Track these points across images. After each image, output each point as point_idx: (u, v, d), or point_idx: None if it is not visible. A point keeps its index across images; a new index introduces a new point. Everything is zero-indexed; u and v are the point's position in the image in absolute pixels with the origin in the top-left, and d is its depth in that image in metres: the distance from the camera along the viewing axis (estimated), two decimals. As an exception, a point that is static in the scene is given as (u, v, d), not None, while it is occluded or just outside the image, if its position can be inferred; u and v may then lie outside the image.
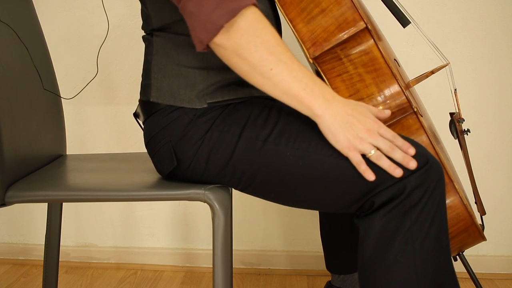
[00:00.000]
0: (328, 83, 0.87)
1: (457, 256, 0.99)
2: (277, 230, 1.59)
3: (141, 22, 1.60)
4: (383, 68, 0.86)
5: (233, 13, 0.66)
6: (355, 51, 0.86)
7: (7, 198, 0.86)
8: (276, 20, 0.92)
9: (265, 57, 0.69)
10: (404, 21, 0.99)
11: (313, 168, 0.75)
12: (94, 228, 1.67)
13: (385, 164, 0.72)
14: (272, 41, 0.69)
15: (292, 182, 0.77)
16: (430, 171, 0.72)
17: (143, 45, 1.64)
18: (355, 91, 0.87)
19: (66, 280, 1.57)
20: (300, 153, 0.76)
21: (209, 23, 0.66)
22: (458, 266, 1.51)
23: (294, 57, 0.71)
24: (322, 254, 1.55)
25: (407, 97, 0.86)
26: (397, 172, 0.71)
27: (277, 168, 0.77)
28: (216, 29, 0.67)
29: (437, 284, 0.73)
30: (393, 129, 0.87)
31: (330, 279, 1.18)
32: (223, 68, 0.82)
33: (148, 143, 0.87)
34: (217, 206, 0.80)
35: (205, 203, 0.81)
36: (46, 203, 1.18)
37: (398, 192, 0.72)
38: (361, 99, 0.86)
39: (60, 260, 1.61)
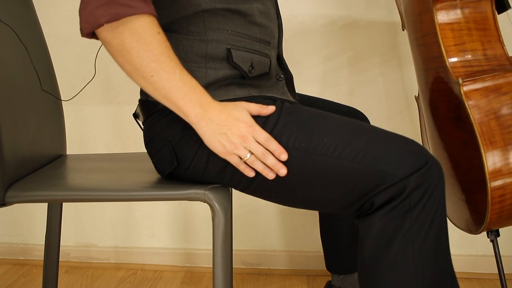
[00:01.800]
0: (438, 29, 0.92)
1: (495, 239, 1.01)
2: (277, 230, 1.59)
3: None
4: (492, 29, 0.92)
5: (116, 17, 0.69)
6: (472, 6, 0.92)
7: (7, 198, 0.86)
8: (277, 17, 0.92)
9: (146, 64, 0.72)
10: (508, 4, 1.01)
11: (312, 168, 0.75)
12: (94, 228, 1.67)
13: (259, 167, 0.76)
14: (157, 50, 0.72)
15: (292, 182, 0.78)
16: (429, 171, 0.73)
17: (143, 45, 1.62)
18: (461, 42, 0.92)
19: (66, 280, 1.57)
20: (300, 154, 0.76)
21: (92, 17, 0.70)
22: (457, 266, 1.52)
23: (178, 67, 0.73)
24: (322, 254, 1.55)
25: (508, 57, 0.92)
26: (270, 176, 0.76)
27: None
28: (96, 25, 0.70)
29: (436, 284, 0.73)
30: (495, 80, 0.92)
31: (330, 279, 1.18)
32: (222, 68, 0.82)
33: (148, 143, 0.87)
34: (217, 206, 0.80)
35: (205, 203, 0.81)
36: (46, 203, 1.18)
37: (398, 193, 0.72)
38: (464, 51, 0.93)
39: (60, 260, 1.61)
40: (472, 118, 0.89)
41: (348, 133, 0.76)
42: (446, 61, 0.92)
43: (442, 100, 0.99)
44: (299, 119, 0.78)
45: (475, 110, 0.90)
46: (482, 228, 0.94)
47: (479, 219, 0.94)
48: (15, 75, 0.95)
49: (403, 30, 1.17)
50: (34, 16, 1.10)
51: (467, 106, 0.90)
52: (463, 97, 0.90)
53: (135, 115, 0.93)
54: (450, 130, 0.99)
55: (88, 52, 1.55)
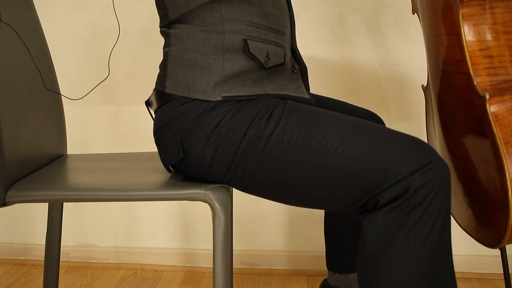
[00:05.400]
0: (462, 32, 0.84)
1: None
2: (277, 230, 1.59)
3: (140, 23, 1.60)
4: None
5: None
6: (501, 5, 0.84)
7: (8, 198, 0.86)
8: (289, 9, 0.92)
9: None
10: None
11: (315, 166, 0.76)
12: (94, 228, 1.67)
13: None
14: None
15: (294, 180, 0.78)
16: (434, 170, 0.73)
17: (143, 45, 1.65)
18: (487, 47, 0.84)
19: (66, 280, 1.57)
20: (302, 151, 0.76)
21: None
22: (457, 266, 1.51)
23: None
24: (322, 254, 1.56)
25: None
26: None
27: (279, 166, 0.78)
28: None
29: (436, 282, 0.73)
30: None
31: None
32: (238, 60, 0.82)
33: (156, 131, 0.87)
34: (217, 206, 0.81)
35: (205, 203, 0.81)
36: (47, 203, 1.18)
37: (402, 191, 0.72)
38: (490, 56, 0.84)
39: (60, 260, 1.61)
40: (498, 139, 0.81)
41: (351, 131, 0.76)
42: (470, 68, 0.84)
43: (461, 108, 0.92)
44: (301, 117, 0.78)
45: (502, 129, 0.82)
46: (496, 246, 0.90)
47: (494, 236, 0.90)
48: (16, 75, 0.95)
49: (413, 14, 1.12)
50: (35, 16, 1.10)
51: (493, 125, 0.81)
52: (490, 116, 0.81)
53: (148, 103, 0.93)
54: (467, 141, 0.92)
55: (88, 52, 1.55)
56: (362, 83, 1.48)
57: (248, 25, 0.83)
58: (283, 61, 0.87)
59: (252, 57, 0.82)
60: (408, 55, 1.45)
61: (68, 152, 1.19)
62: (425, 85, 1.17)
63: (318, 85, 1.49)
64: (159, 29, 0.90)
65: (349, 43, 1.47)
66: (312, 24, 1.47)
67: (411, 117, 1.48)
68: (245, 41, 0.82)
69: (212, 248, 0.81)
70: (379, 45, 1.46)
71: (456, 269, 0.77)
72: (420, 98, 1.47)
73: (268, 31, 0.85)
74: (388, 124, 1.50)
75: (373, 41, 1.46)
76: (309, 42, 1.47)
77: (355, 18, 1.45)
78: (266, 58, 0.84)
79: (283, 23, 0.88)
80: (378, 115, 1.49)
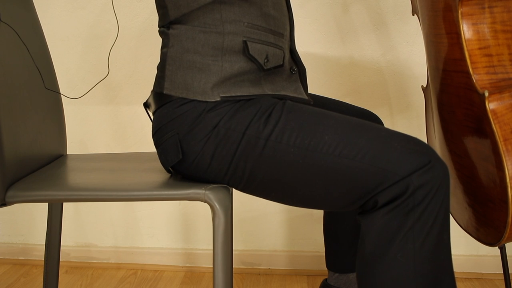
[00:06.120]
0: (462, 31, 0.85)
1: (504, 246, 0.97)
2: (277, 230, 1.59)
3: (140, 23, 1.60)
4: None
5: None
6: (500, 5, 0.85)
7: (8, 198, 0.86)
8: (288, 10, 0.92)
9: None
10: None
11: (313, 166, 0.76)
12: (94, 228, 1.67)
13: None
14: None
15: (292, 180, 0.78)
16: (433, 170, 0.73)
17: (142, 45, 1.65)
18: (486, 46, 0.85)
19: (66, 280, 1.57)
20: (301, 152, 0.76)
21: None
22: (458, 266, 1.51)
23: None
24: (322, 254, 1.56)
25: None
26: None
27: (278, 166, 0.78)
28: None
29: (435, 282, 0.73)
30: None
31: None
32: (238, 61, 0.82)
33: (155, 133, 0.87)
34: (217, 206, 0.81)
35: (205, 203, 0.81)
36: (47, 203, 1.18)
37: (401, 191, 0.72)
38: (489, 55, 0.85)
39: (60, 260, 1.61)
40: (497, 136, 0.82)
41: (350, 131, 0.76)
42: (469, 66, 0.85)
43: (460, 106, 0.92)
44: (300, 118, 0.78)
45: (501, 126, 0.83)
46: (495, 244, 0.90)
47: (494, 234, 0.90)
48: (16, 75, 0.95)
49: (413, 15, 1.13)
50: (35, 16, 1.10)
51: (492, 122, 0.82)
52: (489, 113, 0.82)
53: (146, 105, 0.93)
54: (467, 139, 0.93)
55: (88, 52, 1.55)
56: (362, 83, 1.48)
57: (248, 26, 0.83)
58: (282, 63, 0.87)
59: (251, 58, 0.82)
60: (408, 55, 1.45)
61: (68, 152, 1.19)
62: (424, 86, 1.17)
63: (318, 85, 1.49)
64: (158, 29, 0.90)
65: (349, 43, 1.47)
66: (312, 24, 1.47)
67: (411, 117, 1.48)
68: (244, 42, 0.82)
69: (212, 248, 0.81)
70: (380, 45, 1.46)
71: (455, 269, 0.78)
72: (420, 98, 1.47)
73: (268, 33, 0.85)
74: (388, 124, 1.50)
75: (374, 40, 1.46)
76: (309, 42, 1.47)
77: (355, 18, 1.45)
78: (265, 60, 0.84)
79: (283, 25, 0.88)
80: (378, 115, 1.49)
